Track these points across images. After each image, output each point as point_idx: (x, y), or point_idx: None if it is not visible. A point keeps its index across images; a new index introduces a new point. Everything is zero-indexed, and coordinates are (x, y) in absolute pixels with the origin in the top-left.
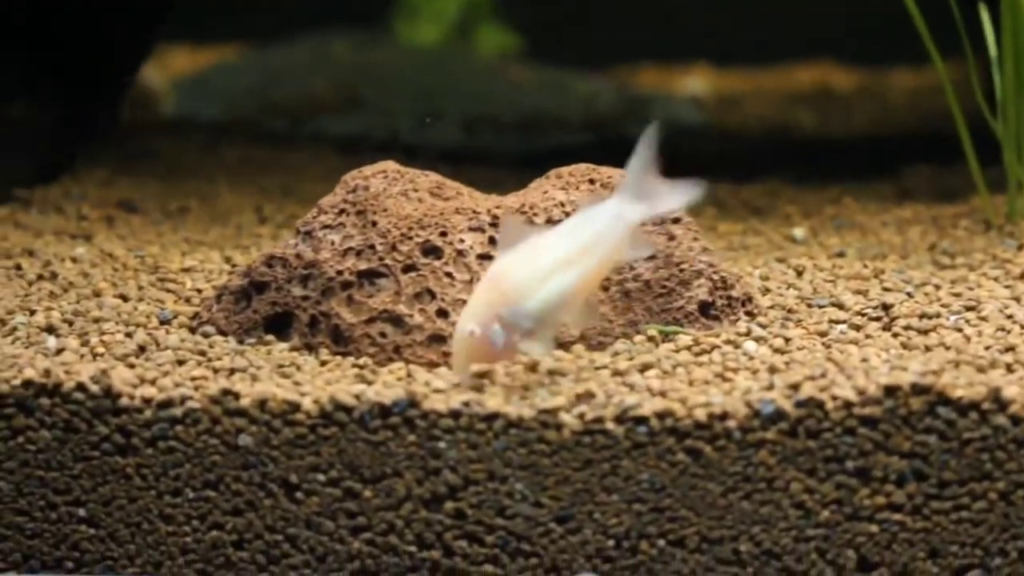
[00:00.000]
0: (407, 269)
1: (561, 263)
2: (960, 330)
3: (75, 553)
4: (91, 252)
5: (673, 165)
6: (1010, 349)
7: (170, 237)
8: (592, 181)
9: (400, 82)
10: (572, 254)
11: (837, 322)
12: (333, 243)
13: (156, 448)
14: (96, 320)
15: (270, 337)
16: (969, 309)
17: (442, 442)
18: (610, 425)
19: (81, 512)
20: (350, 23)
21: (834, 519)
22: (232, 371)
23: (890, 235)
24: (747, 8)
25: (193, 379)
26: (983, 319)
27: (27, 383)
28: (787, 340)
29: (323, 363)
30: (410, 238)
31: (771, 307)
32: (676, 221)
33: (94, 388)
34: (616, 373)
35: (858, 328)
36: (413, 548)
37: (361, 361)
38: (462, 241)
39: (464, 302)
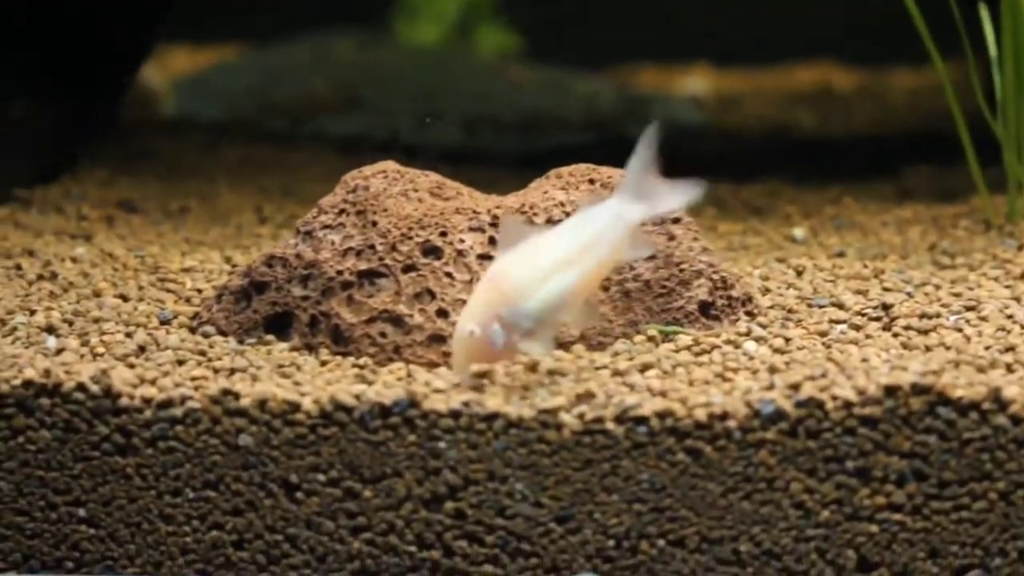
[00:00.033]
0: (407, 269)
1: (561, 263)
2: (960, 330)
3: (75, 553)
4: (91, 252)
5: (673, 165)
6: (1010, 349)
7: (170, 237)
8: (592, 181)
9: (400, 82)
10: (572, 254)
11: (837, 322)
12: (333, 243)
13: (156, 448)
14: (96, 320)
15: (270, 337)
16: (969, 309)
17: (442, 442)
18: (610, 425)
19: (81, 512)
20: (350, 23)
21: (834, 519)
22: (232, 371)
23: (890, 235)
24: (747, 8)
25: (193, 379)
26: (983, 319)
27: (27, 383)
28: (787, 340)
29: (323, 363)
30: (410, 238)
31: (771, 307)
32: (676, 221)
33: (94, 388)
34: (616, 373)
35: (858, 328)
36: (413, 548)
37: (361, 361)
38: (462, 241)
39: (464, 302)
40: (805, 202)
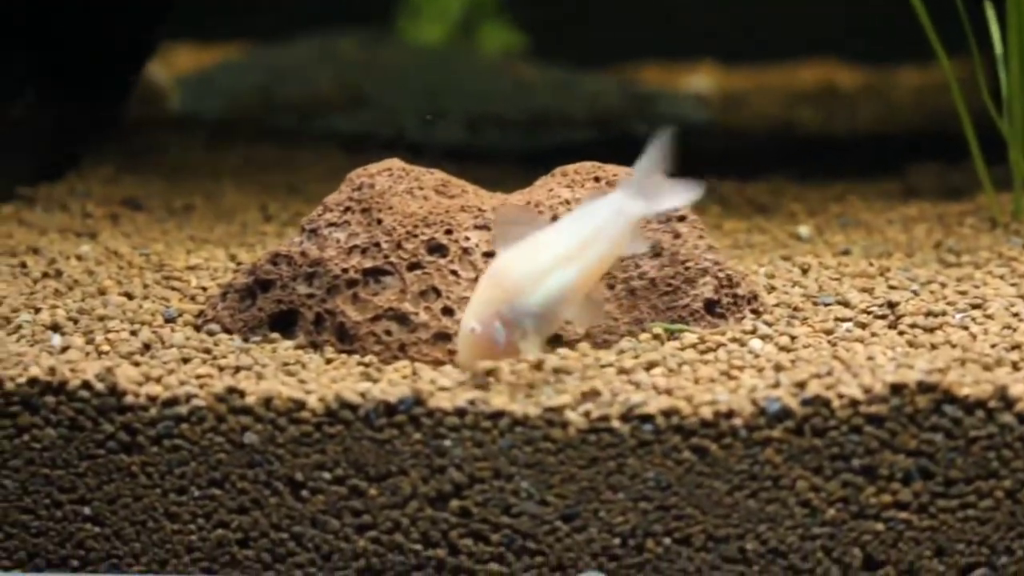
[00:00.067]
0: (412, 267)
1: (561, 259)
2: (966, 328)
3: (80, 551)
4: (96, 250)
5: (678, 162)
6: (1016, 347)
7: (175, 235)
8: (597, 179)
9: (404, 80)
10: (572, 250)
11: (843, 320)
12: (338, 241)
13: (161, 446)
14: (101, 318)
15: (275, 335)
16: (975, 307)
17: (448, 440)
18: (616, 423)
19: (86, 510)
20: (354, 22)
21: (840, 517)
22: (237, 369)
23: (896, 233)
24: (752, 6)
25: (198, 377)
26: (989, 317)
27: (32, 381)
28: (793, 338)
29: (328, 361)
30: (415, 236)
31: (777, 305)
32: (681, 219)
33: (99, 386)
34: (622, 371)
35: (864, 326)
36: (419, 546)
37: (366, 359)
38: (467, 239)
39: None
40: (810, 200)
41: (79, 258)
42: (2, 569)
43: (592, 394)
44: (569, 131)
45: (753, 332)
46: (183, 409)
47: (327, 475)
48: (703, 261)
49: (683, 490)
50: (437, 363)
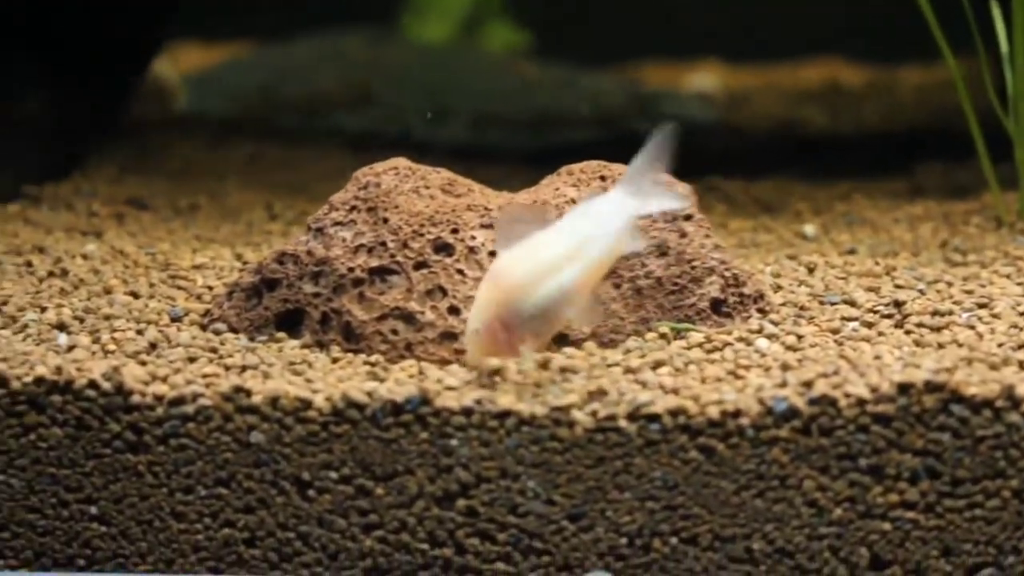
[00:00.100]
0: (419, 266)
1: (562, 258)
2: (973, 327)
3: (87, 551)
4: (101, 249)
5: (682, 162)
6: (1022, 346)
7: (181, 234)
8: (603, 178)
9: (410, 79)
10: (572, 249)
11: (849, 319)
12: (344, 240)
13: (168, 445)
14: (107, 317)
15: (281, 334)
16: (981, 306)
17: (454, 439)
18: (622, 422)
19: (93, 510)
20: (360, 20)
21: (847, 517)
22: (244, 368)
23: (901, 232)
24: (756, 4)
25: (205, 376)
26: (995, 316)
27: (39, 380)
28: (799, 337)
29: (335, 360)
30: (421, 235)
31: (783, 304)
32: (688, 218)
33: (106, 385)
34: (628, 370)
35: (870, 325)
36: (425, 546)
37: (373, 358)
38: (473, 238)
39: None
40: (815, 199)
41: (85, 257)
42: (9, 568)
43: (599, 393)
44: (574, 130)
45: (759, 331)
46: (189, 408)
47: (334, 474)
48: (709, 260)
49: (690, 489)
50: (443, 362)
